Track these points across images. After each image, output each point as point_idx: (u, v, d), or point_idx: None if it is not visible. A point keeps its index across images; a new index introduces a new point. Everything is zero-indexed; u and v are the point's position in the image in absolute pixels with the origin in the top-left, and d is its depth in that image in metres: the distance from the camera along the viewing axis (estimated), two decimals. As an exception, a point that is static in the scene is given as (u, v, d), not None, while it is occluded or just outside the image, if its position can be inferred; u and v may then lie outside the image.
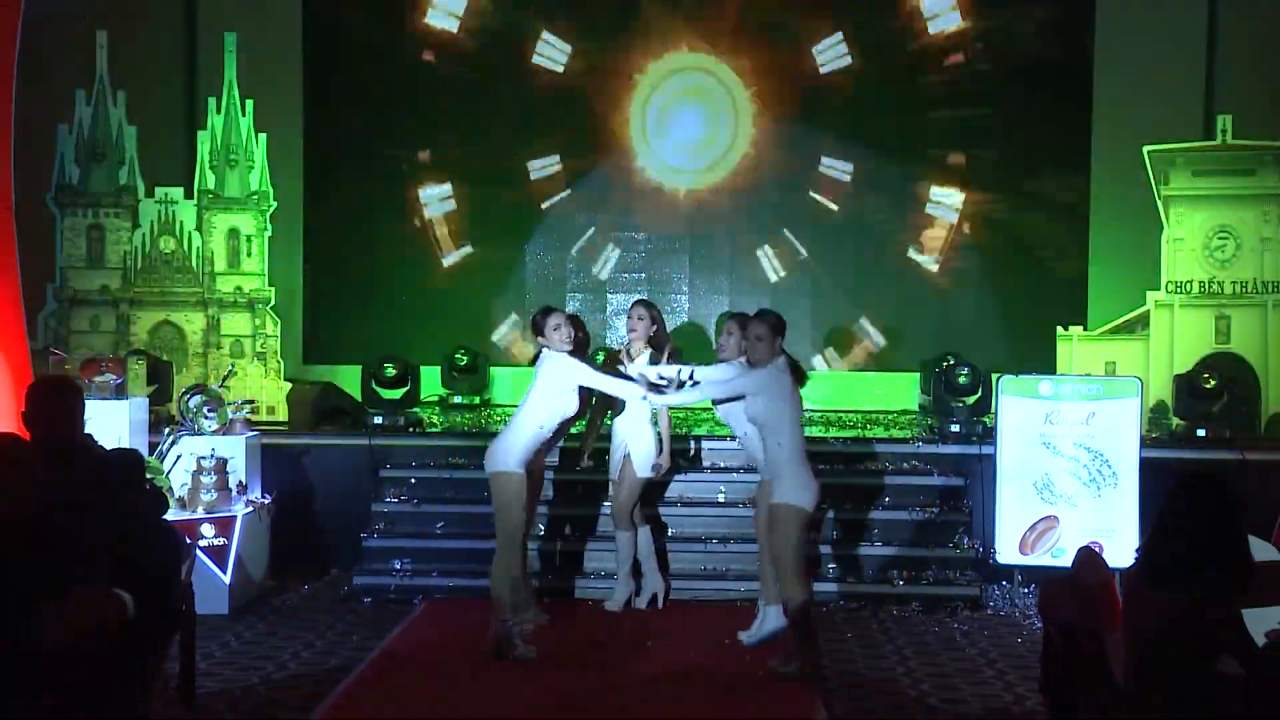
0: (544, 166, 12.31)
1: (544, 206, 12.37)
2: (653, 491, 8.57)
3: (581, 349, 7.44)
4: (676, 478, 8.84)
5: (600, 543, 8.65)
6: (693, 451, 9.28)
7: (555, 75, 12.26)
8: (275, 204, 11.45)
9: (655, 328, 8.02)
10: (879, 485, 8.98)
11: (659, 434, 8.00)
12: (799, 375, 6.86)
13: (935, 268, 12.05)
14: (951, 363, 10.21)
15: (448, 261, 12.35)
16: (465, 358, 11.38)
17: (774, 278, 12.33)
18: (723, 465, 9.25)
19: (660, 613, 8.06)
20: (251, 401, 9.98)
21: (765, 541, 7.23)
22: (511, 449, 7.08)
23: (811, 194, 12.23)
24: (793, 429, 6.68)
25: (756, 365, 6.81)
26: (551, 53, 12.24)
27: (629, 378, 7.30)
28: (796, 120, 12.14)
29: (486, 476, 7.19)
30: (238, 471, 8.69)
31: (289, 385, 10.84)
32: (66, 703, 3.68)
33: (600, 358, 8.68)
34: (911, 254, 12.12)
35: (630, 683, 6.73)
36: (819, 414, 10.81)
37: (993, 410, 9.14)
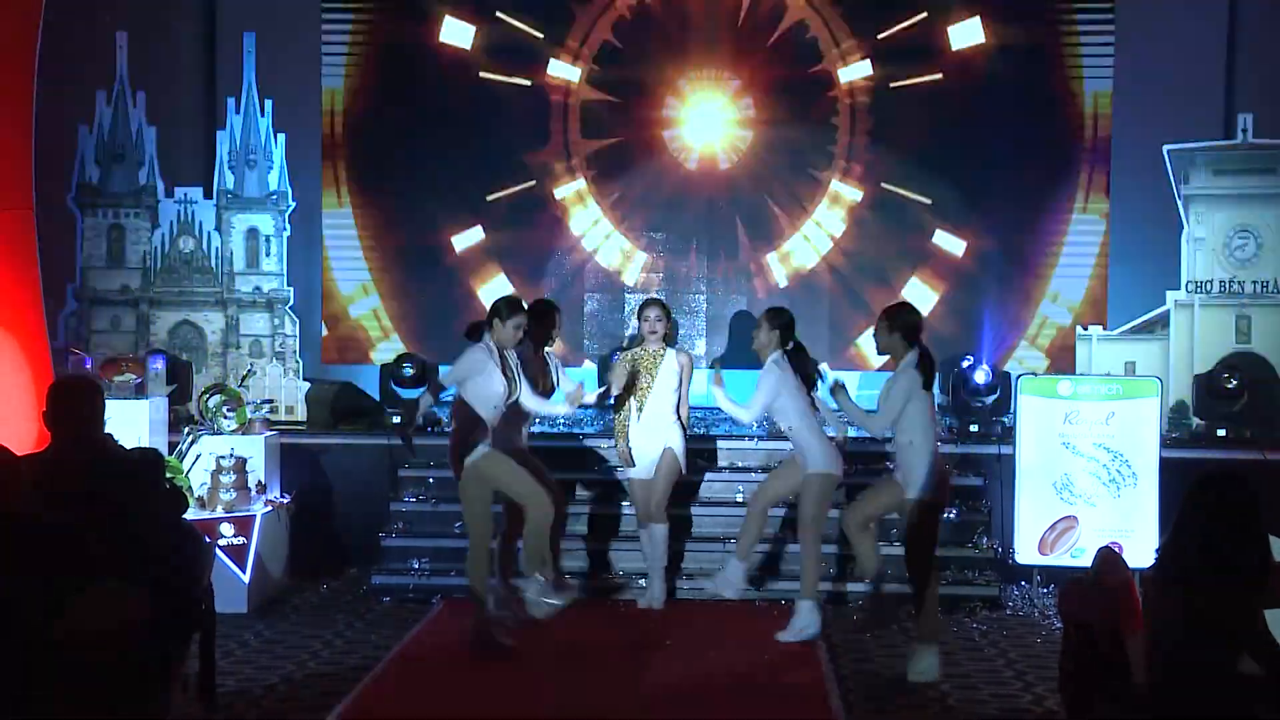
0: (561, 166, 12.31)
1: (562, 206, 12.37)
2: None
3: (542, 337, 7.99)
4: (693, 477, 8.85)
5: (624, 542, 8.67)
6: (710, 451, 9.28)
7: (573, 76, 12.26)
8: (294, 204, 11.48)
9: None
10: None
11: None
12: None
13: (954, 265, 12.02)
14: (970, 362, 10.19)
15: (464, 258, 12.35)
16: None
17: (789, 277, 12.31)
18: (741, 465, 9.26)
19: (677, 613, 8.07)
20: (271, 401, 10.03)
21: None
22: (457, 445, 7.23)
23: (827, 192, 12.20)
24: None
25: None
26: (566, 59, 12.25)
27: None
28: (813, 121, 12.11)
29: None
30: (257, 471, 8.73)
31: (308, 385, 10.86)
32: (87, 701, 3.70)
33: (616, 357, 8.72)
34: (930, 250, 12.09)
35: (647, 683, 6.73)
36: (837, 413, 10.77)
37: (1012, 410, 9.13)
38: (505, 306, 7.30)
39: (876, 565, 7.33)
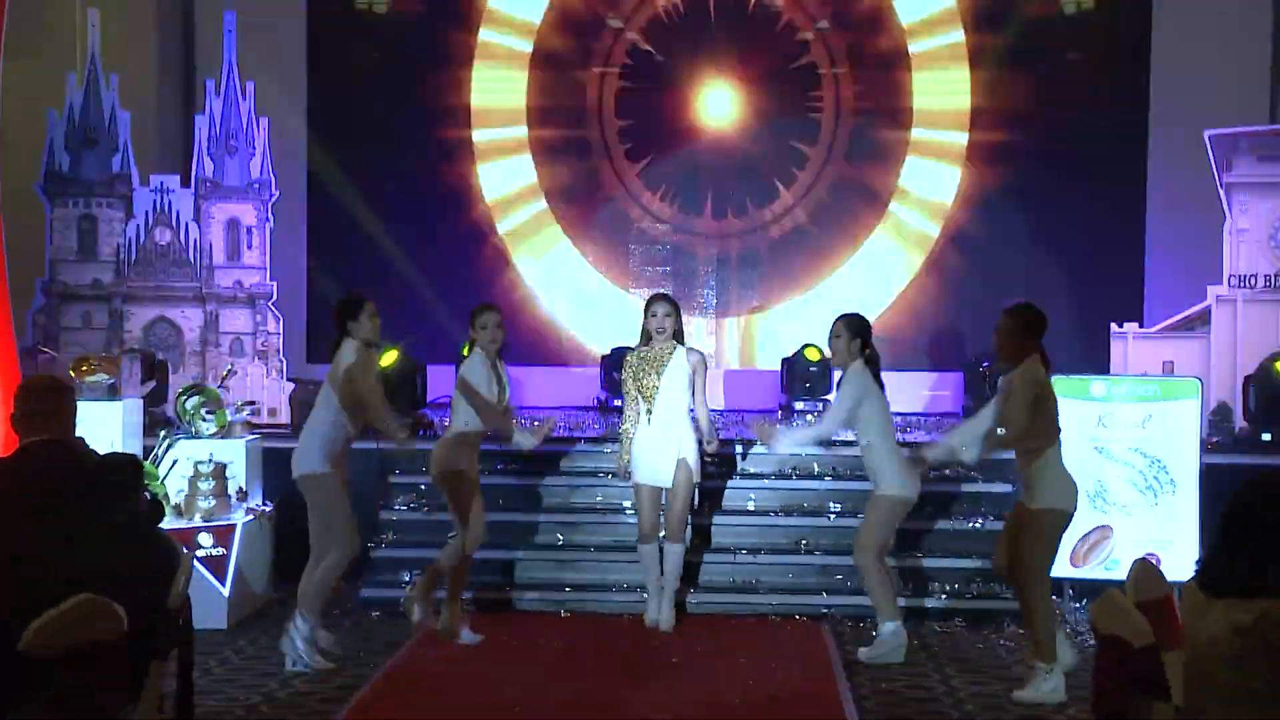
0: (567, 162, 12.35)
1: (565, 202, 12.41)
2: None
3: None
4: (703, 484, 8.85)
5: (627, 554, 8.69)
6: (720, 457, 9.28)
7: (574, 70, 12.29)
8: (278, 193, 11.49)
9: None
10: (921, 494, 8.92)
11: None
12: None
13: (980, 261, 12.04)
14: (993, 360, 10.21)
15: (463, 256, 12.38)
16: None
17: (803, 275, 12.35)
18: (753, 471, 9.26)
19: (687, 629, 8.07)
20: (253, 403, 10.03)
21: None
22: (311, 450, 7.37)
23: (845, 189, 12.24)
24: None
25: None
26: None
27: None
28: (825, 114, 12.14)
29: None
30: (237, 477, 8.74)
31: (292, 385, 10.88)
32: (58, 715, 3.71)
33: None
34: (955, 248, 12.11)
35: (653, 700, 6.74)
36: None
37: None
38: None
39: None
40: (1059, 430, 6.91)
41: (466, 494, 7.66)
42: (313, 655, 7.21)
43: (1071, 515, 6.93)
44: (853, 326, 7.62)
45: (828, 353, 7.80)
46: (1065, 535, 6.98)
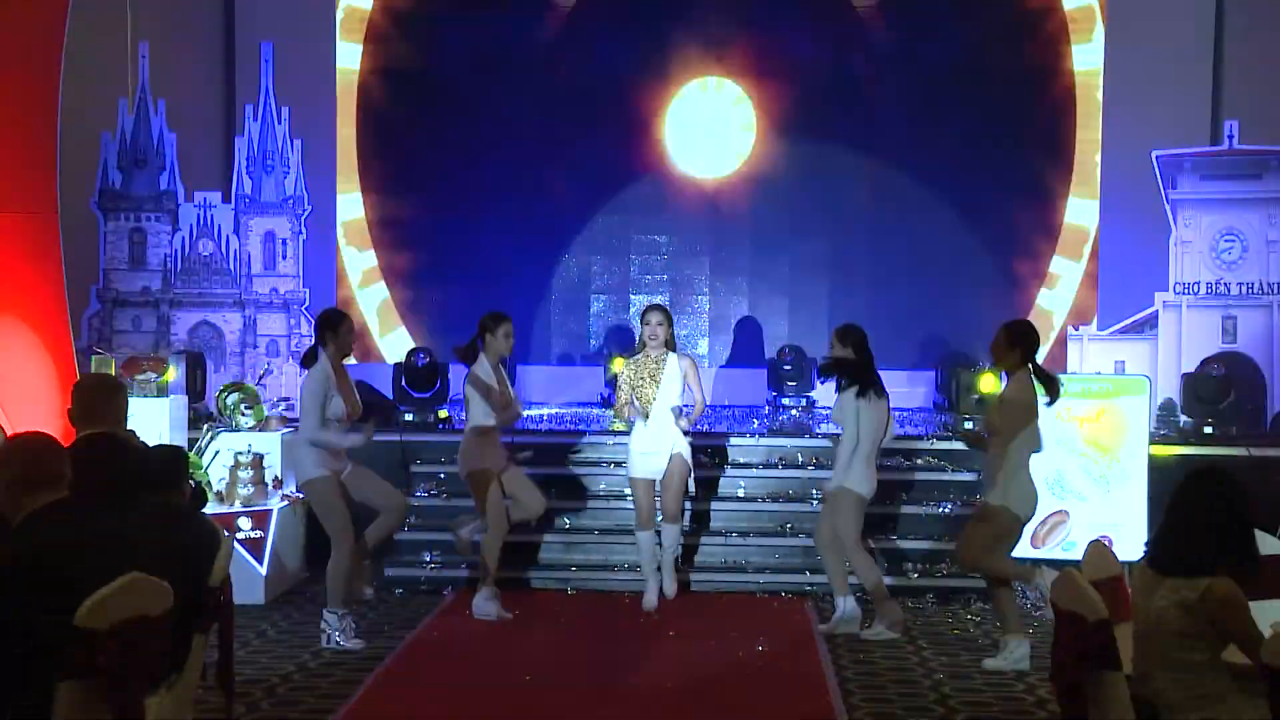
0: (568, 169, 12.32)
1: (568, 210, 12.38)
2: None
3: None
4: (697, 474, 8.83)
5: (629, 537, 8.67)
6: (713, 447, 9.27)
7: (582, 83, 12.26)
8: (310, 208, 11.49)
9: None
10: (895, 481, 8.94)
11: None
12: (1051, 385, 6.88)
13: (949, 268, 12.02)
14: (965, 361, 10.19)
15: (474, 261, 12.34)
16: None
17: (791, 279, 12.31)
18: (743, 461, 9.25)
19: (682, 605, 8.05)
20: (287, 399, 10.03)
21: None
22: (303, 458, 7.22)
23: (828, 198, 12.20)
24: (1031, 439, 6.83)
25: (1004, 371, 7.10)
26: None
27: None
28: (813, 127, 12.11)
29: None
30: (274, 467, 8.73)
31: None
32: (109, 684, 3.70)
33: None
34: (926, 255, 12.09)
35: (653, 674, 6.73)
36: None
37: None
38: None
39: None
40: (1040, 444, 6.88)
41: (487, 488, 7.71)
42: (348, 638, 7.17)
43: (1026, 522, 6.90)
44: (840, 336, 7.61)
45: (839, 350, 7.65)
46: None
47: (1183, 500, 4.40)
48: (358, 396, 7.42)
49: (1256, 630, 4.16)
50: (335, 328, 7.23)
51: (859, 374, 7.49)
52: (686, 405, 7.95)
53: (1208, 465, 4.55)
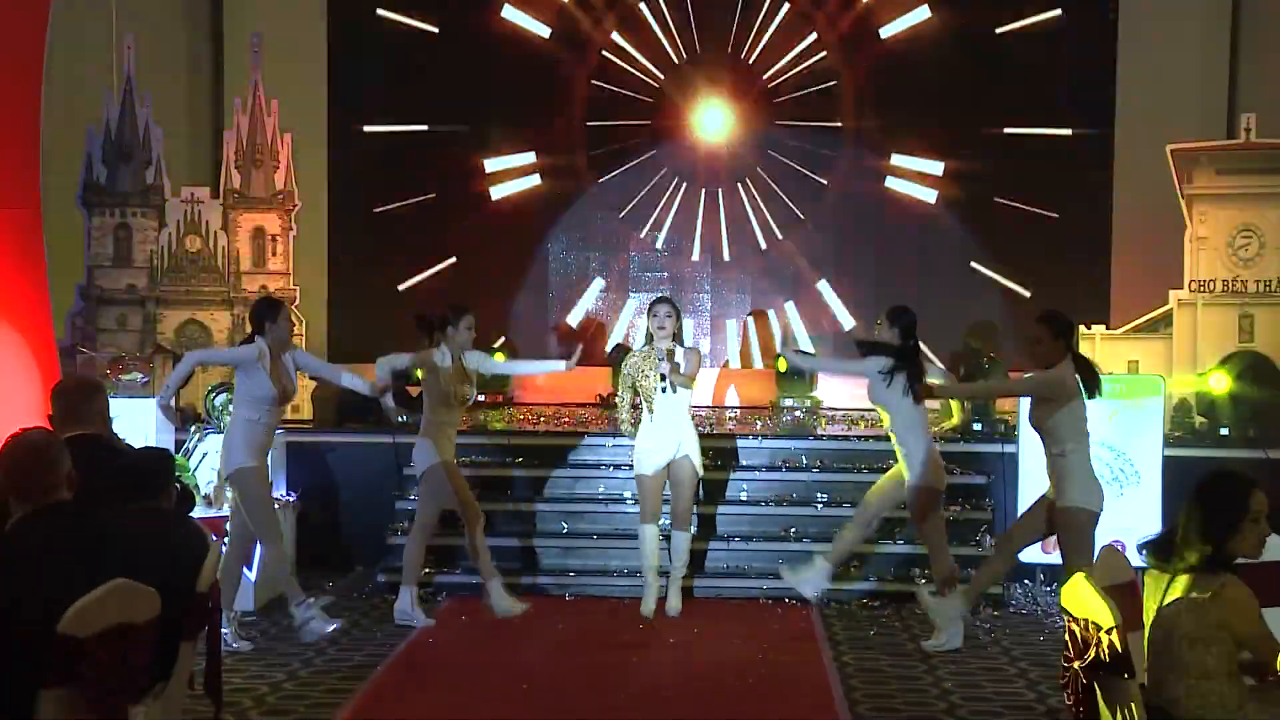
0: (567, 164, 12.32)
1: (567, 204, 12.39)
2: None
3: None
4: (699, 475, 8.83)
5: (627, 542, 8.67)
6: (717, 450, 9.26)
7: (580, 76, 12.27)
8: (300, 203, 11.48)
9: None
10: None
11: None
12: (1091, 378, 6.84)
13: (955, 267, 12.03)
14: (975, 360, 10.19)
15: (469, 258, 12.34)
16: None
17: (795, 276, 12.33)
18: (746, 464, 9.25)
19: (683, 611, 8.03)
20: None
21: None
22: (234, 446, 7.31)
23: (830, 193, 12.21)
24: (1077, 432, 6.80)
25: (1048, 367, 6.87)
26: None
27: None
28: (815, 121, 12.12)
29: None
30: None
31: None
32: (94, 693, 3.70)
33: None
34: (932, 252, 12.09)
35: (653, 678, 6.73)
36: (842, 412, 10.78)
37: (1016, 409, 9.10)
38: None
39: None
40: (1087, 434, 6.86)
41: (459, 478, 7.80)
42: (322, 624, 7.22)
43: (1098, 515, 6.84)
44: (890, 317, 7.62)
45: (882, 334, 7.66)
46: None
47: (1195, 504, 4.39)
48: (293, 381, 7.48)
49: (1270, 635, 4.16)
50: (274, 318, 7.33)
51: (898, 361, 7.46)
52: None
53: (1219, 469, 4.56)
